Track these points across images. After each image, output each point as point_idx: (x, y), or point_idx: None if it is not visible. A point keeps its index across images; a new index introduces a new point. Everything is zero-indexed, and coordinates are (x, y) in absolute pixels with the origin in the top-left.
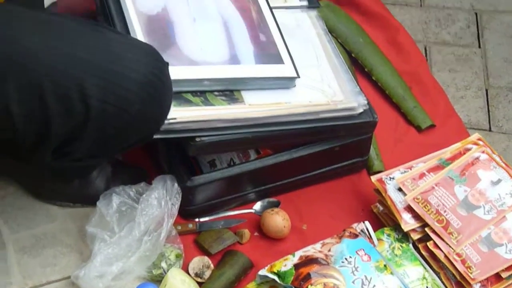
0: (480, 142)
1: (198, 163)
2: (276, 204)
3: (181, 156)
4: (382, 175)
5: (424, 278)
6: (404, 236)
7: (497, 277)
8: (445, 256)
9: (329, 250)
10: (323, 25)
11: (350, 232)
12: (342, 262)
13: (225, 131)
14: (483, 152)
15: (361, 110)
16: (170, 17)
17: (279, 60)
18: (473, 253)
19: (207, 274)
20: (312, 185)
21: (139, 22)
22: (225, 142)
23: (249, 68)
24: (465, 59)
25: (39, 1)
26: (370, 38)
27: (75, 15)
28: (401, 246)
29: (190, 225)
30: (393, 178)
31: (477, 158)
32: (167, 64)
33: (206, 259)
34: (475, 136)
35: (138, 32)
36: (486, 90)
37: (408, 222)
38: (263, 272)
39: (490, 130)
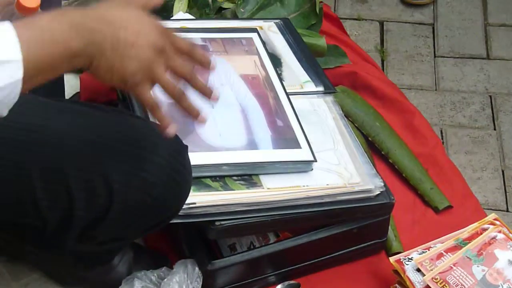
0: (497, 222)
1: (218, 247)
2: (297, 287)
3: (202, 240)
4: (400, 256)
5: None
6: None
7: None
8: None
9: None
10: (339, 110)
11: None
12: None
13: (244, 215)
14: (499, 231)
15: (378, 192)
16: None
17: (296, 145)
18: None
19: None
20: (331, 267)
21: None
22: (245, 226)
23: (267, 153)
24: (480, 141)
25: (60, 92)
26: (386, 122)
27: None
28: None
29: None
30: (411, 259)
31: (494, 238)
32: (187, 147)
33: None
34: (491, 216)
35: None
36: (503, 171)
37: None
38: None
39: (507, 210)
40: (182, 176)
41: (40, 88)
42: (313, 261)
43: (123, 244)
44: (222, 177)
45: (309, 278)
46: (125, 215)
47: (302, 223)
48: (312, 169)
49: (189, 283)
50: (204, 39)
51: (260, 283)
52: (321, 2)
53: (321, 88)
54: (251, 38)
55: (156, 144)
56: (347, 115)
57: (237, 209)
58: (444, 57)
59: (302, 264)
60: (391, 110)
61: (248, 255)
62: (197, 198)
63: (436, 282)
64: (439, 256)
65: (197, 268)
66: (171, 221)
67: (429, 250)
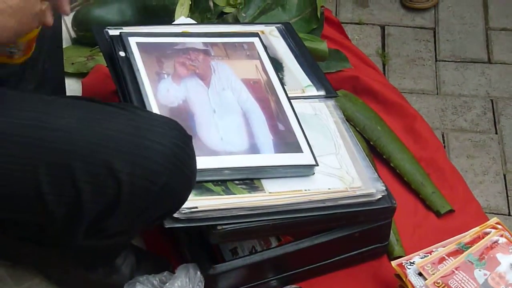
0: (499, 226)
1: (220, 251)
2: None
3: (203, 244)
4: (402, 260)
5: None
6: None
7: None
8: None
9: None
10: (340, 114)
11: None
12: None
13: (246, 219)
14: (501, 235)
15: (379, 196)
16: (191, 109)
17: (298, 149)
18: None
19: None
20: (333, 271)
21: (161, 114)
22: (247, 230)
23: (269, 157)
24: (482, 145)
25: (62, 90)
26: (387, 126)
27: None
28: None
29: None
30: (413, 263)
31: (496, 242)
32: (191, 137)
33: None
34: (493, 220)
35: None
36: (504, 175)
37: None
38: None
39: (509, 214)
40: (187, 165)
41: (42, 92)
42: (314, 265)
43: (129, 238)
44: (224, 181)
45: (311, 282)
46: (132, 206)
47: (303, 227)
48: (314, 173)
49: None
50: (205, 44)
51: (262, 287)
52: (323, 6)
53: (322, 92)
54: (252, 43)
55: (160, 133)
56: (349, 119)
57: (239, 213)
58: (445, 61)
59: (304, 268)
60: (392, 114)
61: (250, 259)
62: (199, 202)
63: (438, 286)
64: (441, 260)
65: (199, 273)
66: (173, 226)
67: (431, 254)
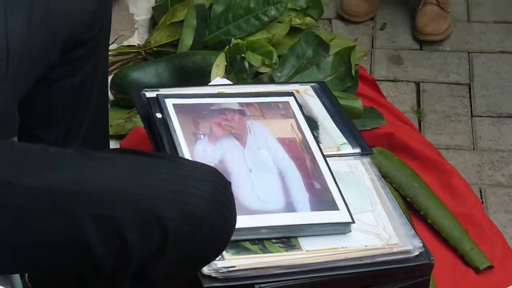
0: None
1: None
2: None
3: None
4: None
5: None
6: None
7: None
8: None
9: None
10: (376, 171)
11: None
12: None
13: (284, 278)
14: None
15: (417, 253)
16: (228, 168)
17: (334, 207)
18: None
19: None
20: None
21: None
22: None
23: (305, 215)
24: None
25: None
26: (424, 182)
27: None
28: None
29: None
30: None
31: None
32: (230, 183)
33: None
34: None
35: None
36: None
37: None
38: None
39: None
40: (229, 209)
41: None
42: None
43: (172, 284)
44: (261, 240)
45: None
46: (177, 252)
47: (341, 285)
48: (351, 231)
49: None
50: (241, 104)
51: None
52: (357, 65)
53: (358, 150)
54: (287, 102)
55: (201, 179)
56: (385, 176)
57: (276, 272)
58: (481, 116)
59: None
60: (428, 171)
61: None
62: (236, 261)
63: None
64: None
65: None
66: (211, 285)
67: None
